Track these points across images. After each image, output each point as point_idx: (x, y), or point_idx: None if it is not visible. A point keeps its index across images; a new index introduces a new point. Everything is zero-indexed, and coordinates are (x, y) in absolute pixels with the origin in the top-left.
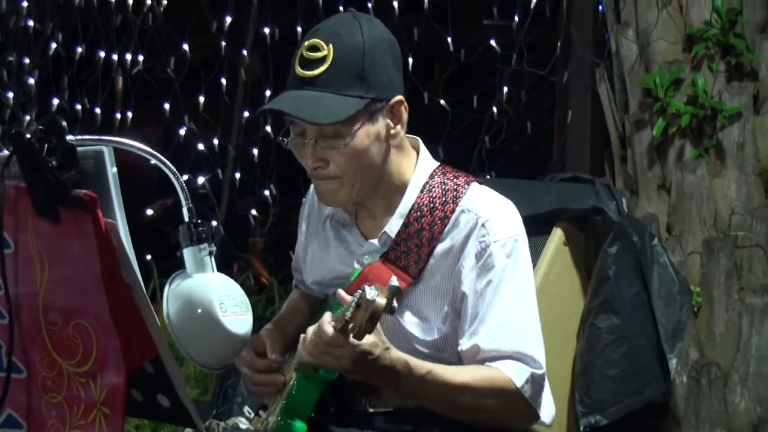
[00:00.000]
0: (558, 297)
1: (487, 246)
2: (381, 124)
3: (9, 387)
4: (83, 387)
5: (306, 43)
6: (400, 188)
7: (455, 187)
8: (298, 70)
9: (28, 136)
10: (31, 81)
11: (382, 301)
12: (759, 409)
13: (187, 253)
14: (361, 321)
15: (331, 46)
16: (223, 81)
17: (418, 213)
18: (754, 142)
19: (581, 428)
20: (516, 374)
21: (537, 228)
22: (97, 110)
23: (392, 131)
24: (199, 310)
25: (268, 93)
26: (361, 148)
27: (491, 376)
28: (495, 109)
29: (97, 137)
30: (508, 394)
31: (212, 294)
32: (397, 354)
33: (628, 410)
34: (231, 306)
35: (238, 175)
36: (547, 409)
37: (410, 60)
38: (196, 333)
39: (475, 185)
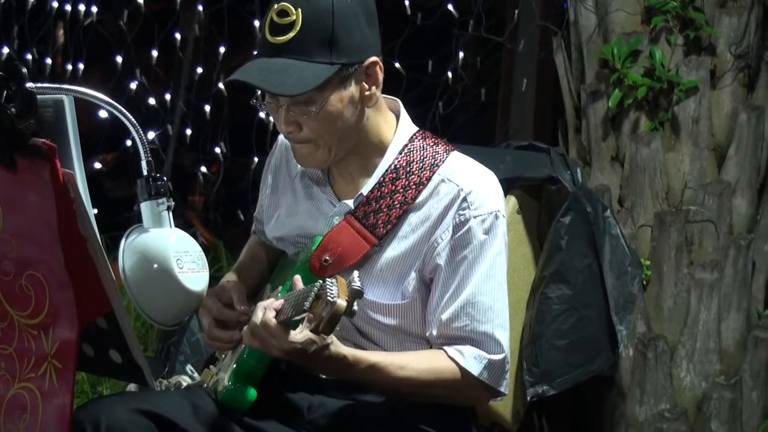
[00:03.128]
0: (510, 265)
1: (467, 220)
2: (354, 88)
3: None
4: (34, 339)
5: (275, 7)
6: (379, 150)
7: (434, 153)
8: (268, 36)
9: None
10: None
11: (342, 303)
12: (704, 384)
13: (145, 208)
14: (319, 317)
15: (299, 10)
16: (177, 36)
17: (394, 174)
18: (710, 117)
19: (528, 398)
20: (473, 363)
21: None
22: (48, 61)
23: (367, 93)
24: (156, 266)
25: (222, 49)
26: (334, 113)
27: (441, 368)
28: (450, 75)
29: (58, 86)
30: (460, 384)
31: (169, 250)
32: (336, 350)
33: (575, 381)
34: (188, 262)
35: (189, 132)
36: (507, 381)
37: None
38: (151, 288)
39: (455, 154)
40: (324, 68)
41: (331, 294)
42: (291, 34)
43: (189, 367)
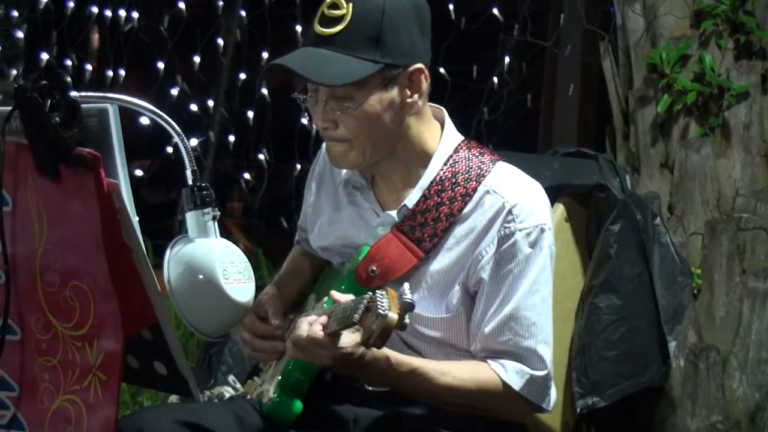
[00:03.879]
0: (558, 274)
1: (512, 233)
2: (396, 92)
3: (2, 348)
4: (79, 351)
5: (328, 0)
6: (423, 160)
7: (480, 164)
8: (317, 27)
9: (32, 90)
10: (20, 35)
11: (393, 316)
12: (757, 395)
13: (190, 217)
14: (369, 330)
15: (351, 5)
16: (220, 42)
17: (439, 186)
18: (761, 123)
19: (578, 409)
20: (515, 378)
21: None
22: (88, 67)
23: (408, 100)
24: (201, 277)
25: (265, 55)
26: (372, 114)
27: (483, 380)
28: (495, 80)
29: (103, 95)
30: (502, 397)
31: (215, 260)
32: (383, 352)
33: (625, 393)
34: (234, 273)
35: (231, 138)
36: (552, 397)
37: None
38: (197, 300)
39: (501, 164)
40: (367, 65)
41: (382, 306)
42: (339, 27)
43: (231, 378)
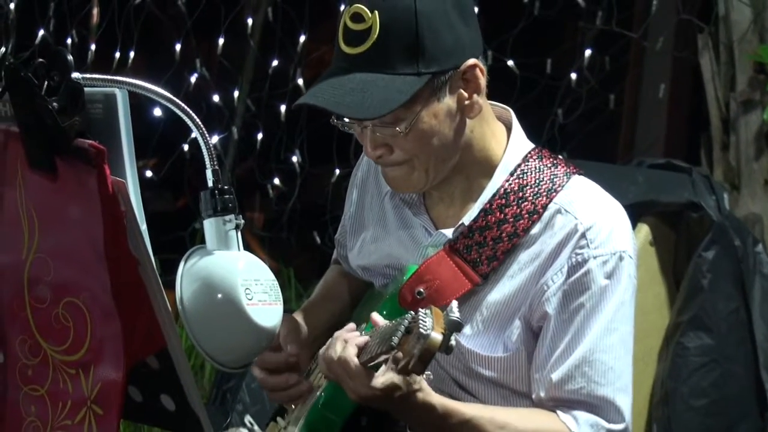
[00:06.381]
0: (639, 308)
1: (585, 261)
2: (450, 99)
3: None
4: (72, 380)
5: (349, 9)
6: (486, 170)
7: (552, 177)
8: (342, 45)
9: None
10: (11, 6)
11: (437, 336)
12: None
13: (209, 225)
14: (410, 354)
15: (376, 13)
16: (249, 22)
17: (503, 201)
18: None
19: None
20: None
21: None
22: (91, 47)
23: (467, 102)
24: (220, 296)
25: (301, 39)
26: (428, 131)
27: None
28: (573, 76)
29: (111, 77)
30: None
31: (237, 277)
32: (425, 398)
33: None
34: (258, 293)
35: (258, 136)
36: None
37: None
38: (214, 323)
39: (576, 178)
40: (410, 81)
41: (424, 326)
42: (368, 44)
43: (248, 419)
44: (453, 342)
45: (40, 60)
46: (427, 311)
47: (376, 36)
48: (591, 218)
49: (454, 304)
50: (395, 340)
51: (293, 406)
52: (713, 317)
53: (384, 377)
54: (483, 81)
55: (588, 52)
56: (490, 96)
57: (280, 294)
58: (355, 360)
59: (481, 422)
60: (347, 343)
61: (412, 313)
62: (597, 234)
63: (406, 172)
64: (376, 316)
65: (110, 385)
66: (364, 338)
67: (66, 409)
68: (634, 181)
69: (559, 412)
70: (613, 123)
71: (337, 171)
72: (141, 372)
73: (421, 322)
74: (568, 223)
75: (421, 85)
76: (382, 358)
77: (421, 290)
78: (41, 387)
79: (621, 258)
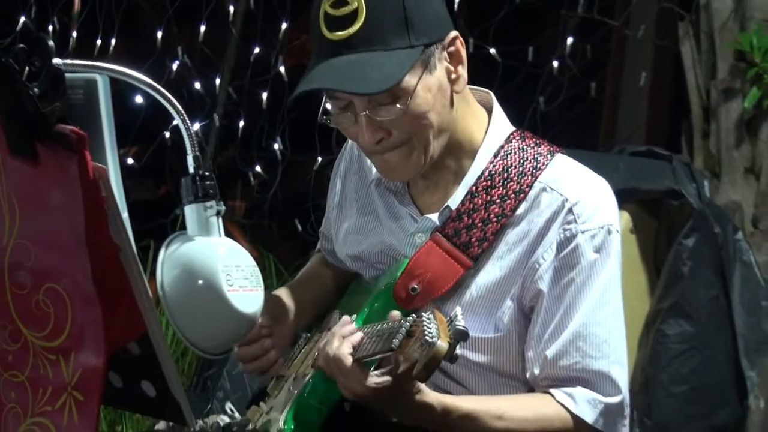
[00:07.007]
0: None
1: (574, 236)
2: (440, 71)
3: None
4: (52, 365)
5: (326, 0)
6: (468, 152)
7: (535, 156)
8: (325, 32)
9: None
10: None
11: (443, 345)
12: None
13: (190, 211)
14: (411, 358)
15: None
16: (231, 9)
17: (489, 182)
18: None
19: None
20: (587, 409)
21: None
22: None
23: (453, 75)
24: (201, 282)
25: (283, 26)
26: (425, 105)
27: (547, 417)
28: (555, 64)
29: (92, 63)
30: None
31: (217, 263)
32: (422, 398)
33: None
34: (239, 279)
35: (240, 124)
36: (627, 429)
37: None
38: (195, 309)
39: (560, 157)
40: (406, 53)
41: (430, 333)
42: (357, 25)
43: (228, 406)
44: (458, 351)
45: (21, 45)
46: (431, 316)
47: (364, 16)
48: (577, 194)
49: (458, 310)
50: (396, 342)
51: (276, 392)
52: (693, 304)
53: (381, 378)
54: (464, 52)
55: (569, 40)
56: (472, 83)
57: (261, 280)
58: (350, 359)
59: (478, 414)
60: (343, 340)
61: (414, 315)
62: (584, 209)
63: (406, 154)
64: (395, 314)
65: (91, 371)
66: (358, 336)
67: (46, 395)
68: (615, 168)
69: (554, 392)
70: (595, 111)
71: (319, 159)
72: (122, 358)
73: (425, 328)
74: (555, 200)
75: (416, 57)
76: (379, 356)
77: (415, 286)
78: (21, 373)
79: (609, 231)
